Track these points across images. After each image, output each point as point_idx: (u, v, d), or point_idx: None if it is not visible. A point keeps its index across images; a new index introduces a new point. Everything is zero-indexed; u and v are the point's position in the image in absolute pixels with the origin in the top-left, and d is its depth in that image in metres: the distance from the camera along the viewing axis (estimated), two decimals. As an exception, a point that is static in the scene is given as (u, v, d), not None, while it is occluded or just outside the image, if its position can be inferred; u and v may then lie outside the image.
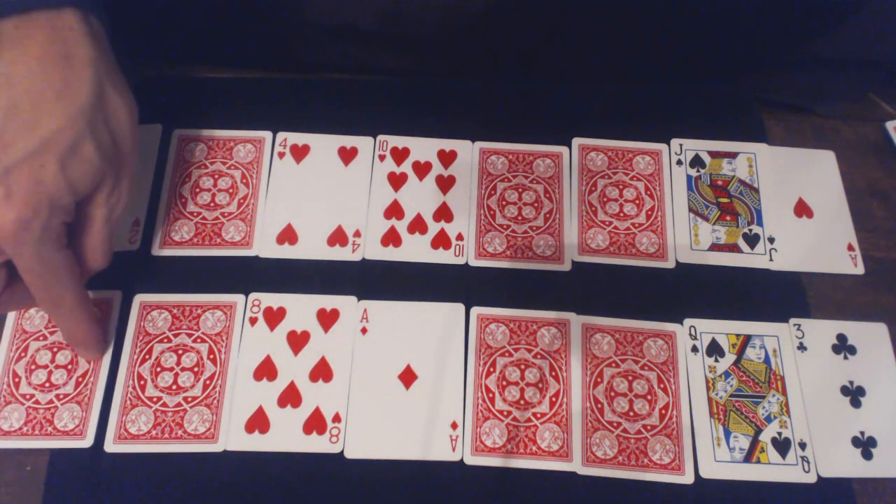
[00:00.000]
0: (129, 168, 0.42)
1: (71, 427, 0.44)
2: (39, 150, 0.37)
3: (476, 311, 0.48)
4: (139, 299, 0.47)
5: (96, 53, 0.40)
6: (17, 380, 0.45)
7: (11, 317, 0.46)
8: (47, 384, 0.45)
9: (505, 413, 0.45)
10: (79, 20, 0.39)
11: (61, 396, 0.44)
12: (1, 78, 0.37)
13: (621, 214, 0.52)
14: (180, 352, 0.46)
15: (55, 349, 0.46)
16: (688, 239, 0.51)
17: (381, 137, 0.53)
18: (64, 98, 0.38)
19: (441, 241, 0.50)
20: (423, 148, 0.53)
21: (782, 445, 0.45)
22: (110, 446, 0.43)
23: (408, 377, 0.46)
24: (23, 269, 0.39)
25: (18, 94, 0.37)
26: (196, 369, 0.46)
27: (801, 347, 0.48)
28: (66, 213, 0.39)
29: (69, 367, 0.45)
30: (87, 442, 0.43)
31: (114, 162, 0.41)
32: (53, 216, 0.38)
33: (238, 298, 0.48)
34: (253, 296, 0.48)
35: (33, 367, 0.45)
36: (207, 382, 0.45)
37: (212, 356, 0.46)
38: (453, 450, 0.44)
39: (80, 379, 0.45)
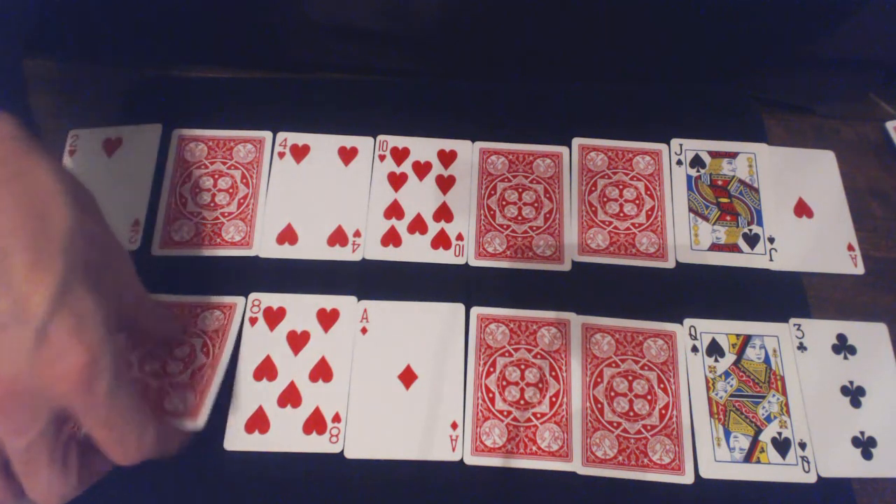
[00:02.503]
0: (123, 254, 0.37)
1: None
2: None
3: (476, 311, 0.48)
4: (139, 299, 0.47)
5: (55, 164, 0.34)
6: None
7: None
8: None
9: (505, 413, 0.45)
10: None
11: None
12: None
13: (621, 214, 0.52)
14: (180, 352, 0.46)
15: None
16: (688, 239, 0.51)
17: (381, 137, 0.53)
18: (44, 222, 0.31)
19: (441, 241, 0.50)
20: (423, 148, 0.53)
21: (782, 445, 0.45)
22: (110, 446, 0.43)
23: (408, 377, 0.46)
24: (93, 425, 0.32)
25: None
26: (196, 369, 0.46)
27: (801, 347, 0.48)
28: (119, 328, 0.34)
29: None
30: None
31: (108, 251, 0.35)
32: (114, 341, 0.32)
33: (238, 298, 0.48)
34: (253, 296, 0.48)
35: None
36: (207, 382, 0.45)
37: (212, 356, 0.46)
38: (453, 450, 0.44)
39: None
